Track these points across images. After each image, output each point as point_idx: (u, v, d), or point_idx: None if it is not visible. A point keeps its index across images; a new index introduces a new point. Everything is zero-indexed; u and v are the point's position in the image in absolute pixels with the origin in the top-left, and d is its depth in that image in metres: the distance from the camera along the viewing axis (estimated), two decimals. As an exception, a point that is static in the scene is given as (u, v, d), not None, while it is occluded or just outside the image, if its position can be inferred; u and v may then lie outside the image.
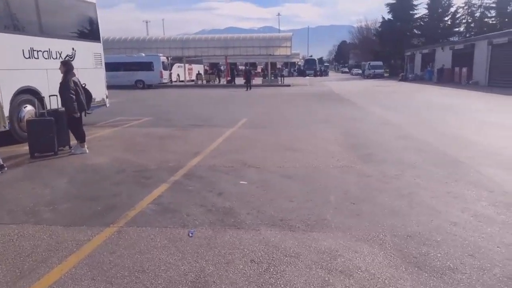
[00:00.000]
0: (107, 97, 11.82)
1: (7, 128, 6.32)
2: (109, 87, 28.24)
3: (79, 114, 6.98)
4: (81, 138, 7.06)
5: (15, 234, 3.69)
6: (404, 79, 40.79)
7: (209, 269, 3.00)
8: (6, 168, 5.98)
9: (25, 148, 7.17)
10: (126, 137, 9.02)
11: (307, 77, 56.83)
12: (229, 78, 38.00)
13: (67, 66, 6.98)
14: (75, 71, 9.87)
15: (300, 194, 4.80)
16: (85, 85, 7.48)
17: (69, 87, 6.79)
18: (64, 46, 9.62)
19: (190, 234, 3.63)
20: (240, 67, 59.81)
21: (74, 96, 6.80)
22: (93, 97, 10.66)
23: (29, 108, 8.41)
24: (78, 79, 7.21)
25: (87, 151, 7.08)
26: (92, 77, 10.84)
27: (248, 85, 28.61)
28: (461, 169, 5.89)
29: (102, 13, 13.68)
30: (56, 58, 9.32)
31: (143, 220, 3.98)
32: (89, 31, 10.95)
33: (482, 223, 3.85)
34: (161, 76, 31.69)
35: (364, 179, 5.39)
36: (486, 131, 9.22)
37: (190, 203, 4.48)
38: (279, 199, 4.61)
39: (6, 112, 7.80)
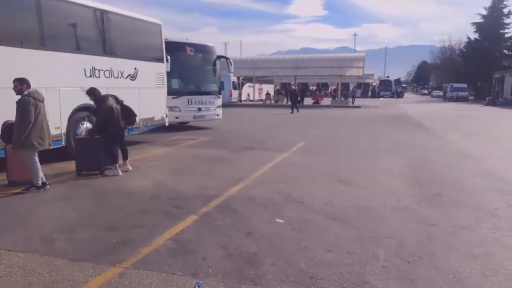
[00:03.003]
0: (166, 116, 11.92)
1: (52, 146, 6.39)
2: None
3: (95, 137, 6.96)
4: (112, 160, 6.91)
5: (18, 266, 3.43)
6: (492, 103, 36.92)
7: None
8: (48, 186, 5.98)
9: (76, 165, 7.22)
10: (175, 158, 8.86)
11: (381, 99, 54.36)
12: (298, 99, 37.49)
13: (92, 96, 6.94)
14: (136, 90, 10.18)
15: (343, 242, 4.01)
16: (123, 102, 7.28)
17: (101, 116, 6.86)
18: (126, 66, 9.83)
19: None
20: (311, 87, 59.16)
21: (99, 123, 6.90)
22: (151, 117, 10.94)
23: (86, 125, 8.61)
24: (116, 107, 6.98)
25: (120, 173, 6.90)
26: (153, 96, 11.03)
27: (293, 106, 24.74)
28: (560, 223, 4.63)
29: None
30: (118, 77, 9.54)
31: (153, 261, 3.51)
32: (153, 52, 11.17)
33: None
34: (231, 95, 32.23)
35: (427, 229, 4.42)
36: None
37: (212, 243, 3.93)
38: (316, 247, 3.88)
39: (64, 129, 8.08)
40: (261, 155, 9.06)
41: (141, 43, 10.66)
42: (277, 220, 4.67)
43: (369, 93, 61.93)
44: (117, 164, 6.90)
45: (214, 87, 15.21)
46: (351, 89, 50.50)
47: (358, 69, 34.36)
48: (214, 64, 14.98)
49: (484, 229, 4.41)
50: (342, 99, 36.26)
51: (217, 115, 15.16)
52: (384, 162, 8.30)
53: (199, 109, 14.20)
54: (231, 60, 16.06)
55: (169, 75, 13.28)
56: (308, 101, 36.70)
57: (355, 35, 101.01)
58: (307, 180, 6.70)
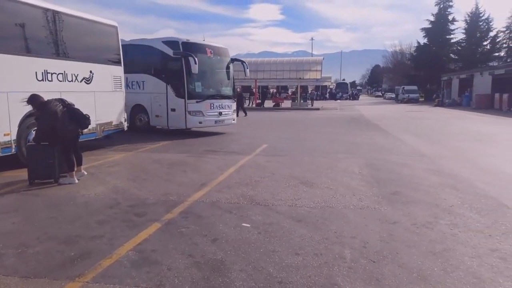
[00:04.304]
0: (125, 121, 11.53)
1: (2, 154, 5.95)
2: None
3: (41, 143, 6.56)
4: (68, 167, 6.57)
5: (-37, 287, 3.15)
6: (440, 104, 39.08)
7: None
8: (-4, 197, 5.59)
9: (27, 173, 6.79)
10: (135, 163, 8.56)
11: (338, 101, 55.99)
12: (259, 101, 37.70)
13: (33, 103, 6.43)
14: (92, 94, 9.74)
15: (309, 244, 4.03)
16: (73, 105, 6.81)
17: (45, 122, 6.44)
18: (81, 69, 9.41)
19: (163, 299, 2.95)
20: (271, 90, 59.68)
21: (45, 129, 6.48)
22: (109, 121, 10.50)
23: (38, 131, 8.13)
24: (61, 111, 6.44)
25: (77, 181, 6.58)
26: (111, 100, 10.64)
27: (238, 110, 21.36)
28: (508, 217, 4.92)
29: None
30: (72, 80, 9.13)
31: (115, 274, 3.35)
32: (109, 54, 10.77)
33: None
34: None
35: (388, 227, 4.55)
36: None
37: (177, 252, 3.81)
38: (283, 250, 3.87)
39: (14, 135, 7.59)
40: (224, 159, 8.97)
41: (97, 46, 10.25)
42: (243, 224, 4.62)
43: (327, 95, 63.72)
44: (73, 172, 6.55)
45: (231, 91, 14.83)
46: (309, 91, 51.46)
47: (316, 72, 35.23)
48: (229, 67, 14.60)
49: (442, 226, 4.59)
50: (302, 101, 36.87)
51: (233, 120, 14.79)
52: (344, 162, 8.49)
53: (220, 114, 13.77)
54: (246, 63, 15.74)
55: (193, 78, 12.73)
56: (269, 103, 36.98)
57: (312, 39, 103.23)
58: (271, 182, 6.70)
